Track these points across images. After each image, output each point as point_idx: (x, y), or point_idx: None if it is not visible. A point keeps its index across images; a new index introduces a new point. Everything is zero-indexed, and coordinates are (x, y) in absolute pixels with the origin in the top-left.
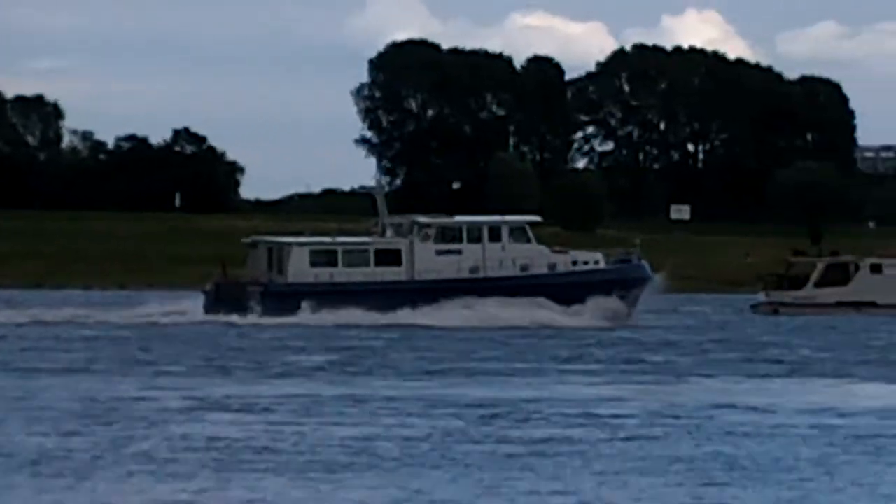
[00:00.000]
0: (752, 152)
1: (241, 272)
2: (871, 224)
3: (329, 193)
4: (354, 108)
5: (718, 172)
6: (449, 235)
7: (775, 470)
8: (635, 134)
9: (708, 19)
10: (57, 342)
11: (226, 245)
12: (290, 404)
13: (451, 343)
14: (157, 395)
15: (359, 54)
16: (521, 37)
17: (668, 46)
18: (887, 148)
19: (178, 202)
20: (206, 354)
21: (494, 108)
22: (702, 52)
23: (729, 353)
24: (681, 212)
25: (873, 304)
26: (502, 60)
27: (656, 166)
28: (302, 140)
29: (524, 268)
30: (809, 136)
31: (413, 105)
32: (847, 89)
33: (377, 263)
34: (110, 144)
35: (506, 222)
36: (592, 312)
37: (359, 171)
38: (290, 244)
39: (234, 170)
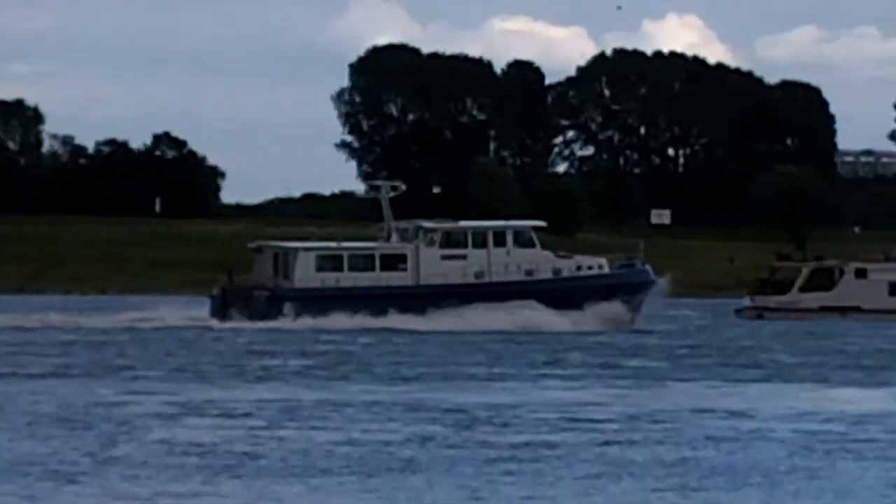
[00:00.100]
0: (733, 157)
1: (246, 277)
2: (857, 229)
3: (310, 198)
4: (335, 113)
5: (699, 177)
6: (454, 240)
7: (754, 474)
8: (616, 138)
9: (688, 24)
10: (36, 347)
11: (207, 250)
12: (268, 409)
13: (435, 348)
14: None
15: (339, 59)
16: (502, 41)
17: (649, 51)
18: (867, 153)
19: (158, 207)
20: (213, 359)
21: (475, 112)
22: (682, 56)
23: (709, 357)
24: (661, 216)
25: (858, 309)
26: (483, 65)
27: (637, 171)
28: (282, 144)
29: (529, 273)
30: (789, 141)
31: (393, 109)
32: (827, 94)
33: (383, 268)
34: (91, 149)
35: (510, 227)
36: (594, 318)
37: (339, 175)
38: (296, 249)
39: (215, 174)
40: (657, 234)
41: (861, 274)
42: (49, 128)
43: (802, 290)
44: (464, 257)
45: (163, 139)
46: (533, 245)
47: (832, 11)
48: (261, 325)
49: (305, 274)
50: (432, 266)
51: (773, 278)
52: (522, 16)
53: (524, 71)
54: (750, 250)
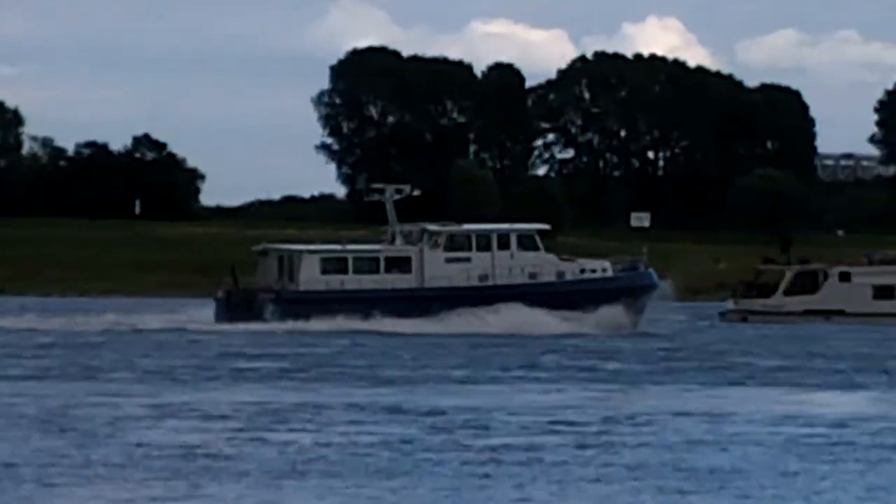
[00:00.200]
0: (713, 160)
1: (251, 280)
2: (840, 232)
3: (290, 200)
4: (315, 115)
5: (679, 180)
6: (458, 243)
7: (733, 477)
8: (595, 141)
9: (668, 27)
10: (15, 349)
11: (186, 252)
12: (246, 411)
13: (429, 351)
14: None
15: (319, 61)
16: (482, 44)
17: (629, 54)
18: (847, 156)
19: (138, 209)
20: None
21: (455, 115)
22: (662, 59)
23: (689, 360)
24: (641, 219)
25: (842, 313)
26: (463, 67)
27: (616, 174)
28: (262, 147)
29: (533, 275)
30: (769, 144)
31: (373, 112)
32: (807, 97)
33: (387, 271)
34: (70, 151)
35: (514, 230)
36: (595, 322)
37: (319, 177)
38: (301, 252)
39: (195, 177)
40: (637, 238)
41: (845, 277)
42: (29, 130)
43: (787, 293)
44: (468, 260)
45: (142, 141)
46: (536, 248)
47: (813, 15)
48: (265, 327)
49: (310, 276)
50: (436, 269)
51: (757, 281)
52: (503, 18)
53: (504, 73)
54: (730, 254)
